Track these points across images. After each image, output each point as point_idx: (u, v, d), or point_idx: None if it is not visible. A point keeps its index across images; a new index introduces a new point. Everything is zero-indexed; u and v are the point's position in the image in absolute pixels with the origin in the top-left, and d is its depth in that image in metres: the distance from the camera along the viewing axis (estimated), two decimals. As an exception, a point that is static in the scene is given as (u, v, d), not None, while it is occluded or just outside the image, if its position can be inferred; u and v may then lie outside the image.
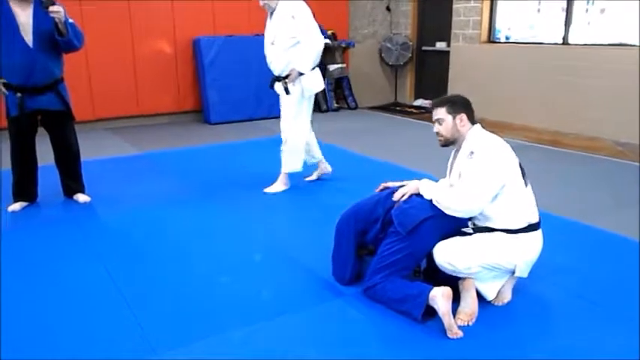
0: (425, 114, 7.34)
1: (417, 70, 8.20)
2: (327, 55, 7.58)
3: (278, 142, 4.14)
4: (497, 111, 6.63)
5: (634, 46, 5.26)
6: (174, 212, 3.70)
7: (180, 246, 3.13)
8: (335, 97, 7.84)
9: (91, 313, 2.40)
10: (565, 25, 6.01)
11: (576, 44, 5.93)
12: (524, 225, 2.29)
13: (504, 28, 6.87)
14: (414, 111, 7.68)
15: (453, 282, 2.31)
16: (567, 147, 5.32)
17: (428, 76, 8.09)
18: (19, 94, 3.48)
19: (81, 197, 3.92)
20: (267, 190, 4.10)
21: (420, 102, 8.12)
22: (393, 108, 7.96)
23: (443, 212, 2.30)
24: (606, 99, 5.47)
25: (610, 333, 2.19)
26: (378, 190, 2.61)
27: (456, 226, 2.37)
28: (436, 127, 2.43)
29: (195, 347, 2.14)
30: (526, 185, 2.33)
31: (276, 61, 3.91)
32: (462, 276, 2.29)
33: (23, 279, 2.72)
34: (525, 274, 2.35)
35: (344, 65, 7.74)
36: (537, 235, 2.35)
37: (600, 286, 2.57)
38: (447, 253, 2.28)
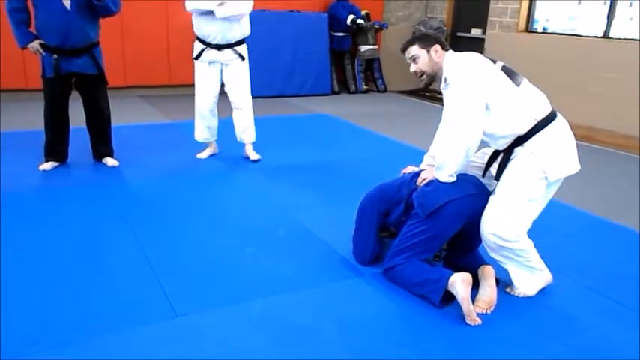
0: (454, 101, 7.23)
1: (450, 56, 8.07)
2: (360, 36, 7.52)
3: (309, 118, 4.14)
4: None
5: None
6: (202, 183, 3.75)
7: (206, 215, 3.17)
8: (364, 79, 7.78)
9: (115, 273, 2.46)
10: (607, 18, 5.83)
11: (618, 38, 5.75)
12: (532, 124, 2.20)
13: (542, 19, 6.69)
14: (443, 97, 7.57)
15: (473, 269, 2.30)
16: (600, 144, 5.20)
17: (460, 62, 7.96)
18: (55, 56, 3.55)
19: (110, 161, 3.99)
20: (254, 158, 4.21)
21: (450, 89, 8.00)
22: (423, 93, 7.87)
23: (465, 195, 2.27)
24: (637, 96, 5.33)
25: (630, 330, 2.17)
26: (402, 173, 2.60)
27: (481, 206, 2.30)
28: (413, 67, 2.38)
29: (216, 313, 2.18)
30: (518, 85, 2.23)
31: (229, 29, 3.85)
32: (508, 252, 2.26)
33: (51, 236, 2.79)
34: (559, 176, 2.22)
35: (376, 47, 7.66)
36: (554, 128, 2.24)
37: (625, 285, 2.53)
38: (491, 223, 2.22)
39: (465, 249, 2.46)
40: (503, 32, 6.87)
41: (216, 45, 3.88)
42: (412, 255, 2.32)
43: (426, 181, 2.38)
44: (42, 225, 2.91)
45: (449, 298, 2.21)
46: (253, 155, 4.27)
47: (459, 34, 7.85)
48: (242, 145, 4.30)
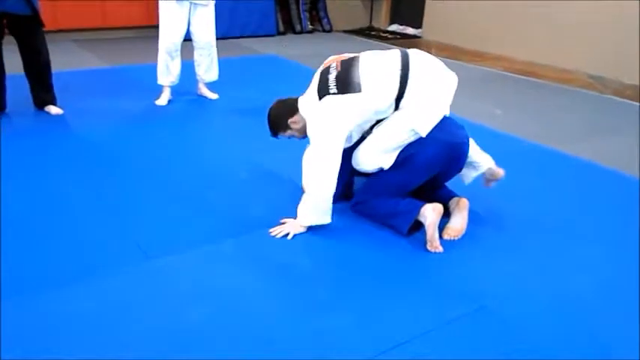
0: (399, 39, 7.26)
1: (394, -5, 8.03)
2: (303, -26, 7.31)
3: (258, 60, 4.05)
4: (473, 40, 6.62)
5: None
6: (151, 128, 3.64)
7: (161, 161, 3.10)
8: (310, 19, 7.63)
9: (78, 223, 2.40)
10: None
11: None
12: (392, 102, 2.23)
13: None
14: (389, 36, 7.58)
15: (444, 202, 2.36)
16: (541, 77, 5.40)
17: (404, 0, 7.93)
18: (-18, -5, 3.26)
19: (53, 109, 3.78)
20: (214, 97, 4.21)
21: (394, 27, 8.00)
22: (368, 32, 7.83)
23: (441, 142, 2.27)
24: (579, 32, 5.53)
25: (586, 248, 2.34)
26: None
27: (457, 152, 2.34)
28: (294, 138, 2.47)
29: (188, 254, 2.18)
30: (360, 90, 2.19)
31: None
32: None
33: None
34: (429, 128, 2.25)
35: (320, -15, 7.49)
36: (412, 87, 2.21)
37: (567, 209, 2.71)
38: (355, 161, 2.37)
39: (433, 187, 2.50)
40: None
41: None
42: (384, 193, 2.37)
43: (282, 234, 2.32)
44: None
45: (416, 226, 2.29)
46: (211, 94, 4.29)
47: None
48: (194, 88, 4.20)
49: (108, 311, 1.83)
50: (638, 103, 4.55)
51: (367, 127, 2.34)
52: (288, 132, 2.44)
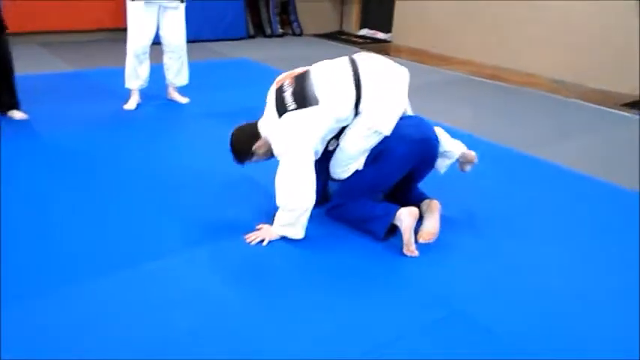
0: (370, 44, 7.32)
1: (364, 0, 8.07)
2: (274, -23, 7.30)
3: (230, 64, 4.03)
4: (442, 45, 6.73)
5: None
6: (121, 133, 3.57)
7: (133, 167, 3.04)
8: (280, 22, 7.62)
9: (50, 232, 2.33)
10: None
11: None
12: (353, 107, 2.24)
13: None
14: (359, 40, 7.63)
15: (417, 204, 2.39)
16: (506, 81, 5.52)
17: (374, 5, 8.00)
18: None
19: (17, 114, 3.67)
20: (184, 101, 4.19)
21: (365, 32, 8.06)
22: (338, 36, 7.86)
23: (413, 140, 2.30)
24: (541, 37, 5.68)
25: (557, 249, 2.40)
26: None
27: (428, 150, 2.39)
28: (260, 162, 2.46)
29: (167, 262, 2.15)
30: (317, 103, 2.20)
31: None
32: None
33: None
34: (392, 126, 2.27)
35: (290, -12, 7.49)
36: (367, 90, 2.22)
37: (536, 211, 2.77)
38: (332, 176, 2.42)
39: (405, 189, 2.53)
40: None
41: None
42: (359, 195, 2.38)
43: (257, 240, 2.30)
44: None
45: (392, 230, 2.30)
46: (182, 98, 4.23)
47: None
48: (163, 92, 4.15)
49: (85, 320, 1.79)
50: (604, 108, 4.70)
51: (331, 135, 2.34)
52: (254, 158, 2.42)
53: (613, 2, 5.08)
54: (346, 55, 2.40)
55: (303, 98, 2.21)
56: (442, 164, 2.56)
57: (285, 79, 2.34)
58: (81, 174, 2.91)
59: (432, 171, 2.54)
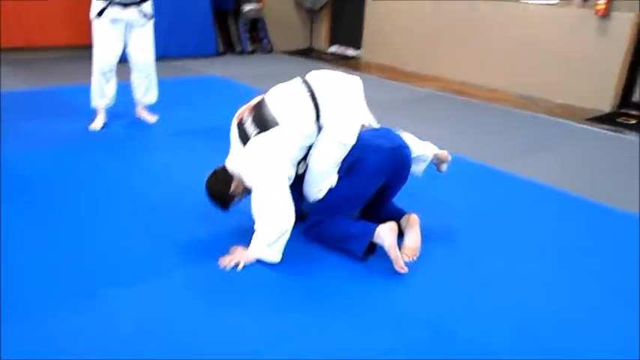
0: (340, 61, 7.35)
1: (333, 17, 8.12)
2: (243, -6, 7.27)
3: (198, 81, 3.96)
4: (411, 62, 6.80)
5: (531, 3, 5.55)
6: (86, 154, 3.45)
7: (100, 189, 2.93)
8: (250, 39, 7.58)
9: (14, 259, 2.21)
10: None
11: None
12: (314, 122, 2.23)
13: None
14: (329, 57, 7.65)
15: (395, 220, 2.36)
16: (473, 97, 5.60)
17: (344, 22, 8.05)
18: None
19: (-25, 134, 3.51)
20: (153, 120, 4.12)
21: (335, 49, 8.10)
22: (309, 53, 7.87)
23: (386, 149, 2.30)
24: (508, 54, 5.80)
25: (532, 262, 2.40)
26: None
27: (402, 159, 2.38)
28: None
29: (138, 289, 2.05)
30: (279, 124, 2.20)
31: None
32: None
33: None
34: (355, 138, 2.28)
35: (260, 6, 7.46)
36: (326, 106, 2.23)
37: (510, 225, 2.78)
38: (307, 198, 2.38)
39: (378, 204, 2.50)
40: (384, -8, 7.03)
41: (120, 2, 3.58)
42: (336, 213, 2.34)
43: (231, 265, 2.23)
44: None
45: (370, 249, 2.27)
46: (150, 117, 4.14)
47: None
48: (131, 110, 4.04)
49: (52, 351, 1.68)
50: (571, 122, 4.80)
51: (300, 156, 2.29)
52: (236, 199, 2.38)
53: (577, 19, 5.23)
54: (312, 69, 2.39)
55: (264, 122, 2.21)
56: (417, 169, 2.56)
57: (244, 111, 2.33)
58: (40, 198, 2.78)
59: (405, 184, 2.50)
